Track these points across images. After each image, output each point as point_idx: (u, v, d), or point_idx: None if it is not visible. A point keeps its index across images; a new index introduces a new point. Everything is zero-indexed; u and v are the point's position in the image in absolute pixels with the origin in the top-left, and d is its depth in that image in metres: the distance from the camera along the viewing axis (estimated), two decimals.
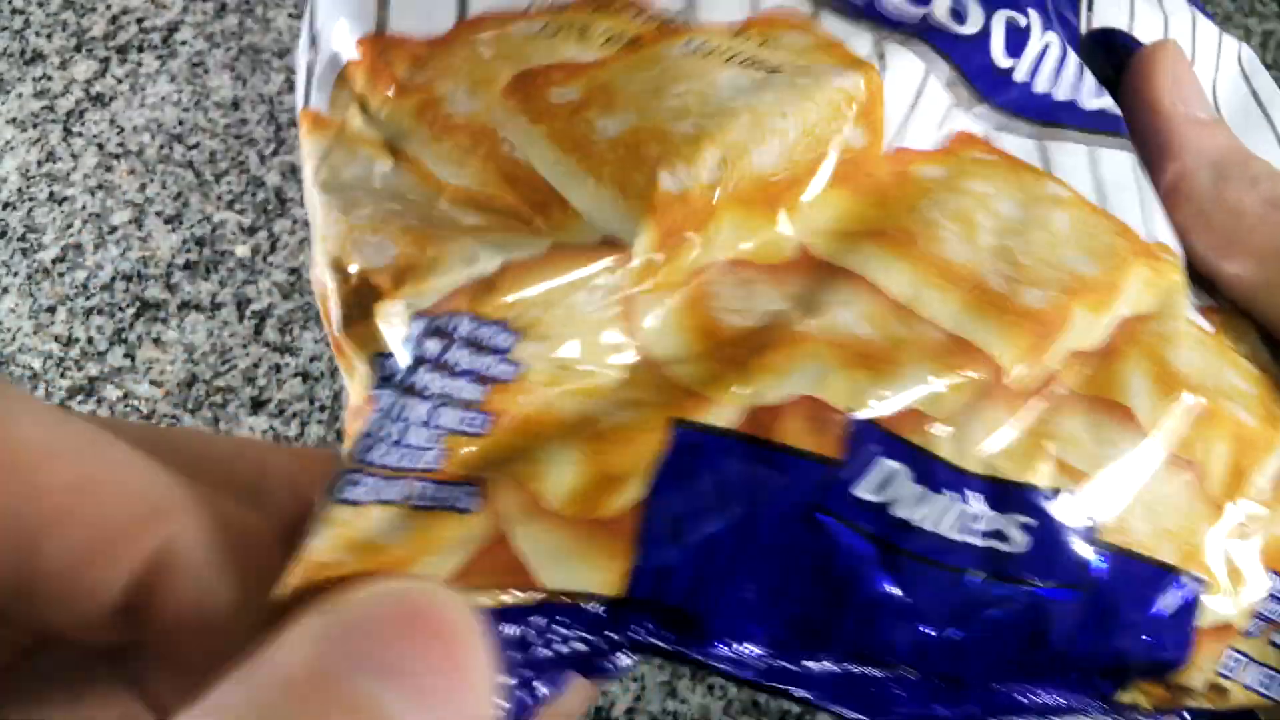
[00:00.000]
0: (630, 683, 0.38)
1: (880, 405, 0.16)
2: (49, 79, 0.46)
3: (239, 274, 0.43)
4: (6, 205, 0.44)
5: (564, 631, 0.15)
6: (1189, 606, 0.18)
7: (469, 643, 0.12)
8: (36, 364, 0.41)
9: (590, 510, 0.14)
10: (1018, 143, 0.19)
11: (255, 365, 0.41)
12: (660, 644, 0.15)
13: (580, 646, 0.15)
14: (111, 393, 0.41)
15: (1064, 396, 0.17)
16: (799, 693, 0.16)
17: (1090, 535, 0.17)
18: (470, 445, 0.14)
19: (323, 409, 0.41)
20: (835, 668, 0.16)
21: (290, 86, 0.45)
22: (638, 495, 0.14)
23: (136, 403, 0.41)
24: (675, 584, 0.15)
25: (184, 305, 0.42)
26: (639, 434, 0.15)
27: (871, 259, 0.16)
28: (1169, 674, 0.18)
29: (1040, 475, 0.17)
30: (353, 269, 0.14)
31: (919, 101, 0.18)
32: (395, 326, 0.14)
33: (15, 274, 0.43)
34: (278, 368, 0.41)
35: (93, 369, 0.41)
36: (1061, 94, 0.20)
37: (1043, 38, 0.20)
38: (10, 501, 0.12)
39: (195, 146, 0.45)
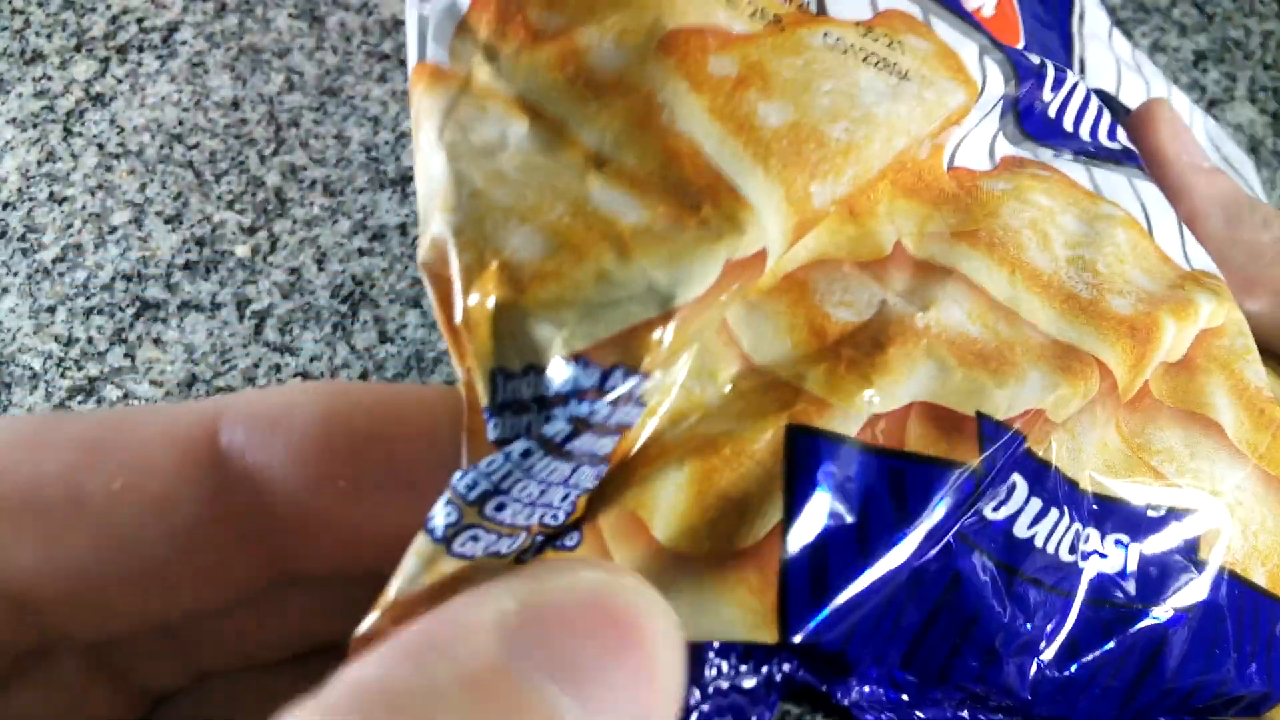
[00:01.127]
0: None
1: (1007, 405, 0.14)
2: (49, 79, 0.46)
3: (239, 274, 0.43)
4: (6, 205, 0.44)
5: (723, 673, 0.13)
6: None
7: (667, 656, 0.11)
8: (36, 364, 0.41)
9: (719, 543, 0.13)
10: (1066, 165, 0.19)
11: (255, 365, 0.41)
12: (806, 681, 0.14)
13: (741, 693, 0.13)
14: (112, 393, 0.41)
15: (1157, 408, 0.17)
16: None
17: (1191, 554, 0.16)
18: (590, 494, 0.13)
19: None
20: (947, 714, 0.16)
21: (291, 86, 0.45)
22: (774, 520, 0.13)
23: (136, 403, 0.41)
24: (831, 627, 0.13)
25: (184, 305, 0.42)
26: (753, 445, 0.13)
27: (968, 258, 0.16)
28: (1265, 707, 0.17)
29: (1140, 491, 0.16)
30: (491, 258, 0.12)
31: (981, 123, 0.18)
32: (535, 339, 0.12)
33: (15, 274, 0.43)
34: (278, 368, 0.41)
35: (93, 369, 0.41)
36: (1085, 132, 0.20)
37: (1072, 79, 0.20)
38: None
39: (195, 146, 0.44)
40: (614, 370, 0.12)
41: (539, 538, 0.12)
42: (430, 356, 0.41)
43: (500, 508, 0.11)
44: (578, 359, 0.12)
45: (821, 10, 0.16)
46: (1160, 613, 0.16)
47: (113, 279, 0.42)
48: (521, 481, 0.11)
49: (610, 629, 0.11)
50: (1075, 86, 0.20)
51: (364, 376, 0.41)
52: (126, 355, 0.41)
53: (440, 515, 0.11)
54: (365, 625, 0.11)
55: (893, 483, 0.13)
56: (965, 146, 0.17)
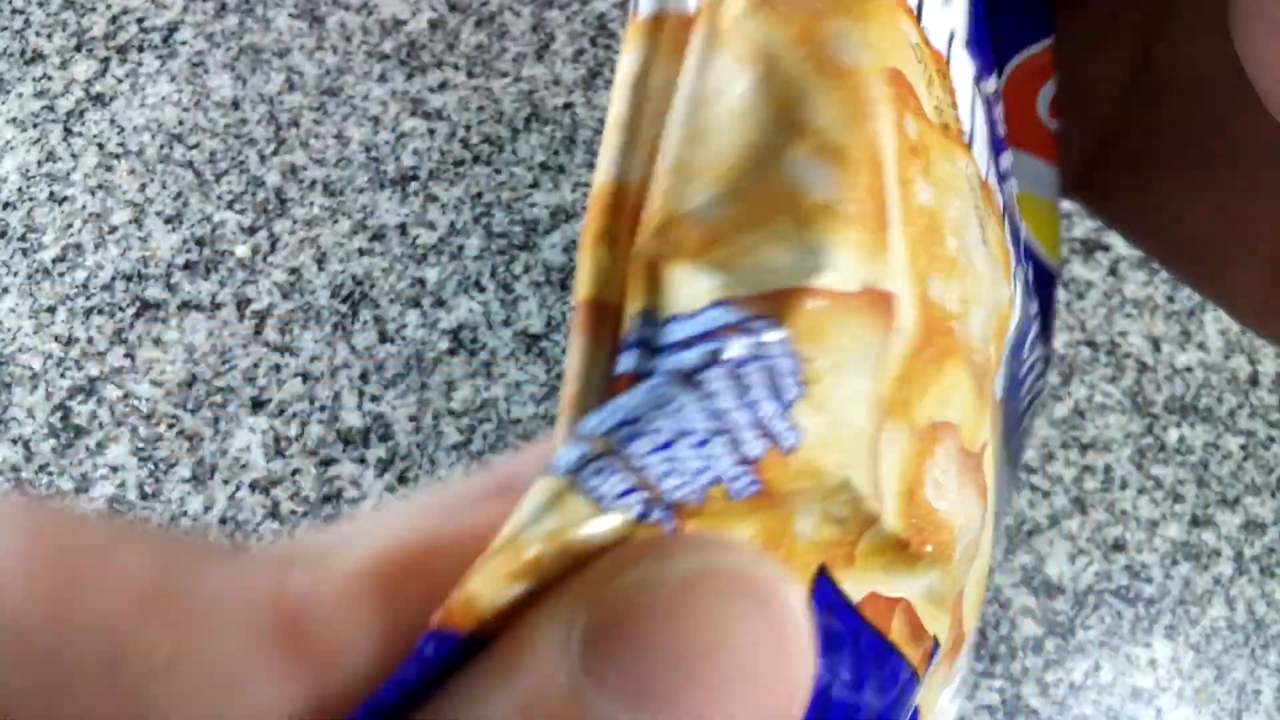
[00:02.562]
0: None
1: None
2: (49, 79, 0.46)
3: (239, 274, 0.43)
4: (6, 205, 0.44)
5: None
6: None
7: (795, 643, 0.09)
8: (36, 364, 0.41)
9: None
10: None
11: (255, 365, 0.41)
12: None
13: None
14: (112, 392, 0.41)
15: None
16: None
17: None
18: (722, 508, 0.11)
19: (323, 409, 0.41)
20: None
21: (291, 86, 0.45)
22: None
23: (137, 403, 0.41)
24: None
25: (184, 305, 0.42)
26: (799, 566, 0.12)
27: None
28: None
29: None
30: (669, 212, 0.12)
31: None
32: (687, 289, 0.11)
33: (15, 274, 0.43)
34: (278, 368, 0.41)
35: (93, 369, 0.41)
36: None
37: None
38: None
39: (195, 146, 0.44)
40: (759, 318, 0.11)
41: (660, 511, 0.11)
42: (430, 357, 0.41)
43: (632, 438, 0.10)
44: (722, 303, 0.11)
45: (968, 145, 0.16)
46: None
47: (113, 279, 0.42)
48: (651, 414, 0.10)
49: (696, 637, 0.09)
50: None
51: (364, 376, 0.41)
52: (126, 355, 0.41)
53: (563, 455, 0.10)
54: (478, 579, 0.10)
55: (861, 657, 0.13)
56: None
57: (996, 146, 0.18)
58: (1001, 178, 0.18)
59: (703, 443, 0.11)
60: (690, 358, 0.11)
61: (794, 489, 0.12)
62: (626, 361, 0.11)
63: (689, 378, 0.11)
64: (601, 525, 0.10)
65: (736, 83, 0.13)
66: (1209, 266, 0.20)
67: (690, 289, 0.12)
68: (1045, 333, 0.20)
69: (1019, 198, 0.20)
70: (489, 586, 0.10)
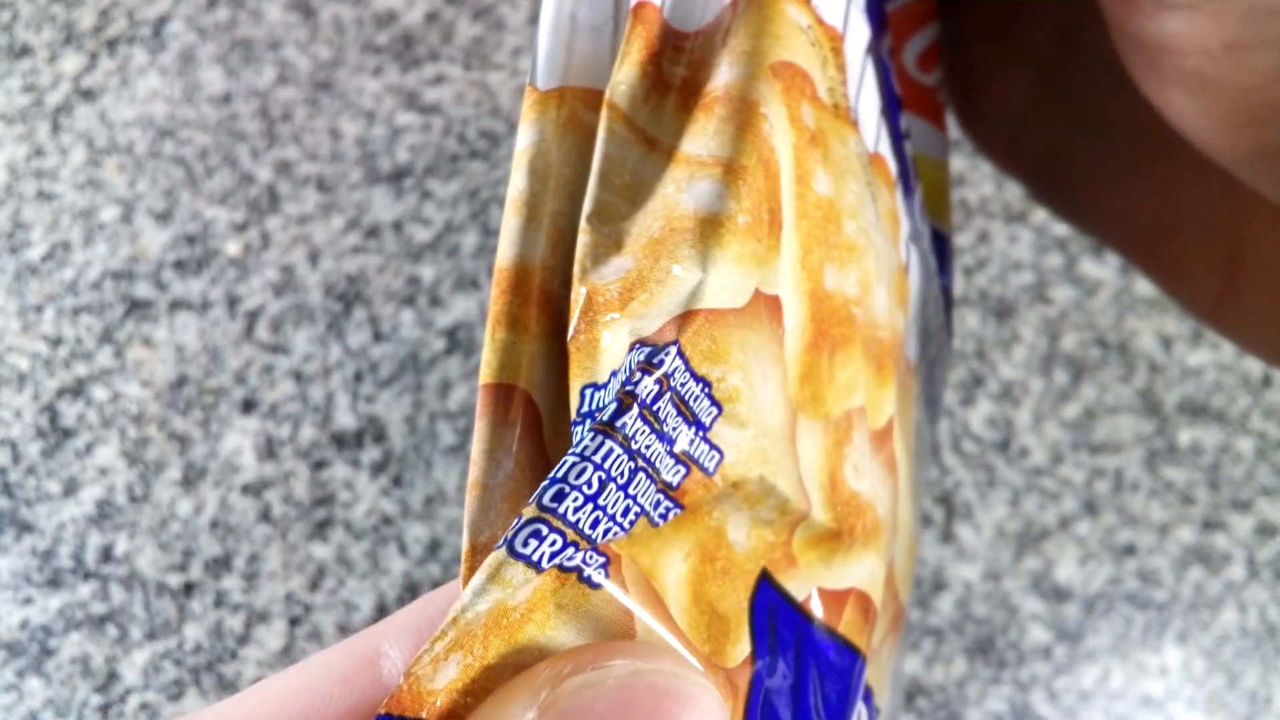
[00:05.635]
0: None
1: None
2: (37, 73, 0.45)
3: (230, 272, 0.42)
4: None
5: None
6: None
7: None
8: (24, 364, 0.41)
9: (713, 654, 0.12)
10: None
11: (246, 365, 0.40)
12: None
13: None
14: (100, 393, 0.40)
15: None
16: None
17: None
18: (648, 534, 0.12)
19: (315, 410, 0.40)
20: None
21: (283, 80, 0.45)
22: (747, 649, 0.13)
23: (126, 404, 0.40)
24: None
25: (174, 304, 0.41)
26: (739, 576, 0.13)
27: None
28: None
29: None
30: (582, 289, 0.12)
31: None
32: (614, 352, 0.12)
33: (2, 272, 0.42)
34: (269, 368, 0.40)
35: (81, 369, 0.41)
36: None
37: None
38: None
39: (186, 142, 0.44)
40: (660, 349, 0.12)
41: (601, 558, 0.11)
42: (425, 357, 0.40)
43: (559, 496, 0.11)
44: (635, 345, 0.12)
45: (855, 122, 0.16)
46: None
47: (101, 277, 0.42)
48: (578, 466, 0.11)
49: None
50: None
51: (357, 377, 0.40)
52: (115, 355, 0.41)
53: (511, 529, 0.11)
54: (425, 659, 0.10)
55: (814, 655, 0.14)
56: None
57: (892, 107, 0.18)
58: (901, 136, 0.18)
59: (627, 484, 0.11)
60: (608, 407, 0.11)
61: (717, 498, 0.12)
62: (575, 436, 0.12)
63: (610, 426, 0.11)
64: (531, 586, 0.11)
65: (630, 155, 0.13)
66: (1161, 261, 0.20)
67: (617, 343, 0.12)
68: (947, 294, 0.20)
69: (916, 157, 0.19)
70: (431, 668, 0.10)
